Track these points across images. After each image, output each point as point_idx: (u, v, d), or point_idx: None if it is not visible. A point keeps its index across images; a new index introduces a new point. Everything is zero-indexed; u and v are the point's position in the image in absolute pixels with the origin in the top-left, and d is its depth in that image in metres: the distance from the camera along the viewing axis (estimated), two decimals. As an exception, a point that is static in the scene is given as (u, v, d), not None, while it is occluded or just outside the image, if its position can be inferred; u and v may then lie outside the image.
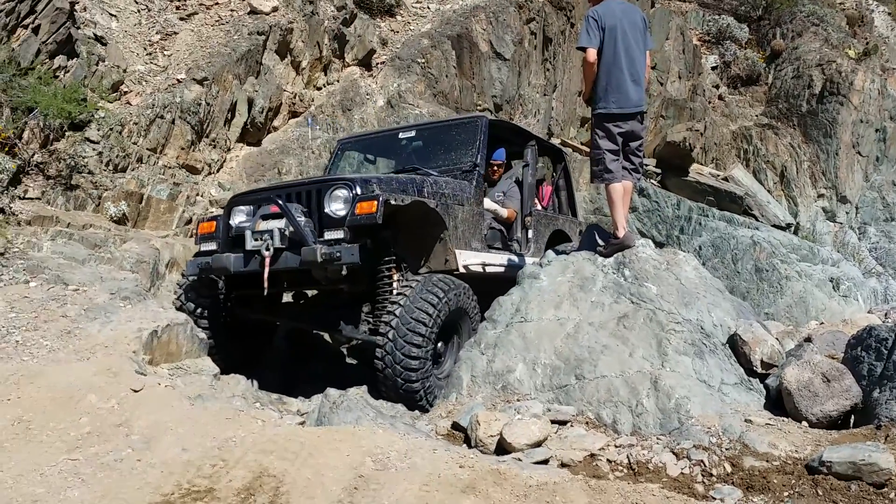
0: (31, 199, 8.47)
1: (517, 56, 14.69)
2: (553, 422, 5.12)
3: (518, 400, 5.54)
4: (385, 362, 5.91)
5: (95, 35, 10.60)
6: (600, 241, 6.61)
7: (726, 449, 4.68)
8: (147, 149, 9.76)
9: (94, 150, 9.24)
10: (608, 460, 4.74)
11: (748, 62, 19.40)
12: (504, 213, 8.02)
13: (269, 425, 4.74)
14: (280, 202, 6.01)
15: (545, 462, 4.67)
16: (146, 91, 10.43)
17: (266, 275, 5.79)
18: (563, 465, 4.68)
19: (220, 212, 7.42)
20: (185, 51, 11.19)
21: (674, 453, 4.68)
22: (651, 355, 5.49)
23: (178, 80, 10.56)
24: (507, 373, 5.79)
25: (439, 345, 6.33)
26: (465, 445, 5.06)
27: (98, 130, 9.41)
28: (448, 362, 6.44)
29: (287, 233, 5.93)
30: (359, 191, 5.98)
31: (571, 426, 5.13)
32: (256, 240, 5.98)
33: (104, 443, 4.43)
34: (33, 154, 8.84)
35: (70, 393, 4.85)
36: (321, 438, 4.43)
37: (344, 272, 5.88)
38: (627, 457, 4.73)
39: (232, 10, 12.04)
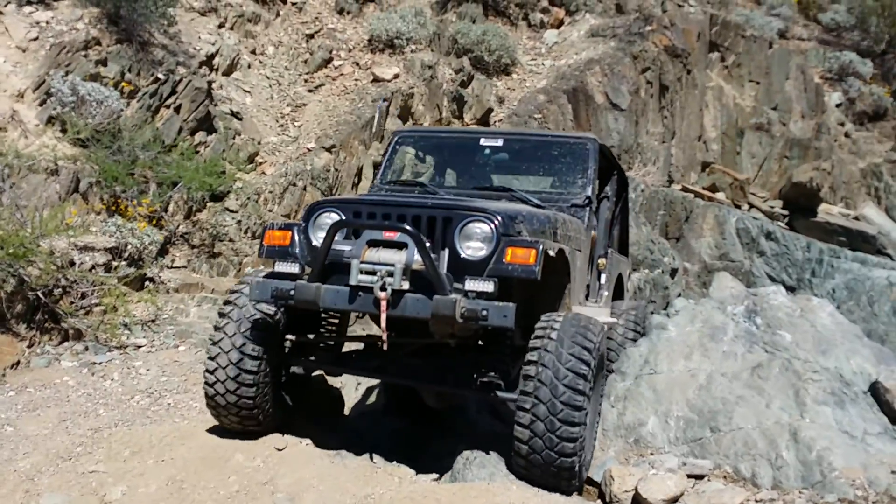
0: (178, 267, 9.08)
1: (633, 105, 14.72)
2: (689, 476, 5.05)
3: (651, 454, 5.50)
4: (534, 430, 4.48)
5: (231, 111, 11.32)
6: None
7: (873, 502, 4.53)
8: (282, 215, 10.29)
9: (233, 218, 9.83)
10: (748, 515, 4.66)
11: (874, 97, 18.82)
12: None
13: (405, 482, 4.85)
14: (410, 230, 4.54)
15: (683, 517, 4.63)
16: (279, 161, 11.04)
17: (384, 322, 4.44)
18: (701, 521, 4.62)
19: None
20: (313, 121, 11.79)
21: (817, 507, 4.57)
22: (789, 406, 5.38)
23: (308, 148, 11.14)
24: (638, 426, 5.76)
25: None
26: (599, 501, 5.05)
27: (236, 200, 10.01)
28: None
29: (410, 271, 4.54)
30: (503, 228, 4.67)
31: (708, 480, 5.06)
32: (365, 273, 4.54)
33: (252, 501, 4.64)
34: (178, 225, 9.49)
35: (219, 453, 5.11)
36: (457, 495, 4.49)
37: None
38: (768, 511, 4.64)
39: (356, 80, 12.65)
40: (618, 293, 7.50)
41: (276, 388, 5.23)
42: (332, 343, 5.63)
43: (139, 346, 7.28)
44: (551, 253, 4.67)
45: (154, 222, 9.04)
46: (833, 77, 19.60)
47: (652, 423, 5.72)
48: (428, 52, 13.68)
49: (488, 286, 4.40)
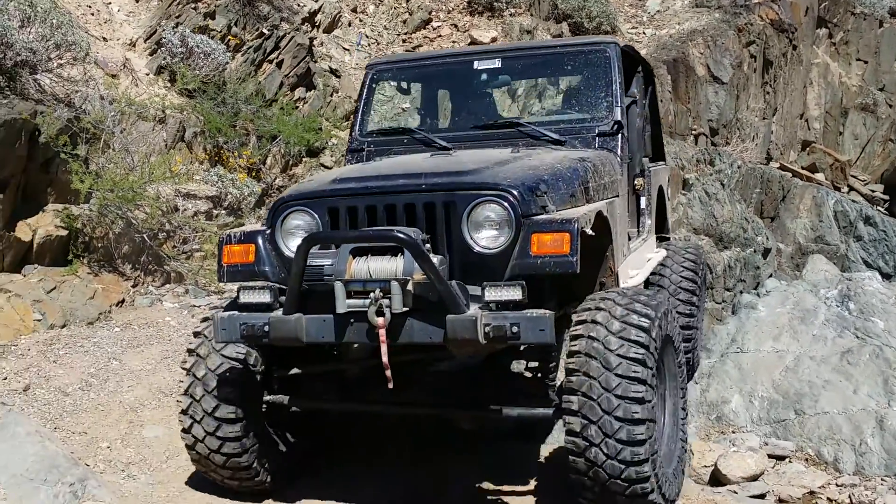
0: (274, 219, 9.33)
1: (735, 79, 14.39)
2: (770, 456, 5.07)
3: (733, 431, 5.52)
4: (588, 438, 3.44)
5: (330, 68, 11.51)
6: None
7: (959, 497, 4.47)
8: (375, 174, 10.48)
9: (327, 174, 10.04)
10: (828, 499, 4.65)
11: None
12: None
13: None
14: (404, 238, 3.41)
15: (762, 497, 4.63)
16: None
17: (386, 356, 3.43)
18: (780, 502, 4.63)
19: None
20: (409, 81, 11.88)
21: (900, 497, 4.53)
22: (877, 393, 5.33)
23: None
24: (721, 403, 5.77)
25: None
26: (677, 473, 5.09)
27: (331, 157, 10.22)
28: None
29: (410, 287, 3.45)
30: (522, 206, 3.60)
31: (790, 462, 5.06)
32: (355, 296, 3.50)
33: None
34: (275, 178, 9.75)
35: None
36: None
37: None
38: (850, 496, 4.62)
39: (454, 42, 12.68)
40: (660, 207, 6.31)
41: (271, 436, 4.24)
42: (332, 370, 4.42)
43: (236, 293, 7.56)
44: (589, 231, 3.62)
45: (253, 174, 9.31)
46: (947, 57, 18.76)
47: (735, 401, 5.74)
48: (527, 17, 13.61)
49: (514, 293, 3.36)
